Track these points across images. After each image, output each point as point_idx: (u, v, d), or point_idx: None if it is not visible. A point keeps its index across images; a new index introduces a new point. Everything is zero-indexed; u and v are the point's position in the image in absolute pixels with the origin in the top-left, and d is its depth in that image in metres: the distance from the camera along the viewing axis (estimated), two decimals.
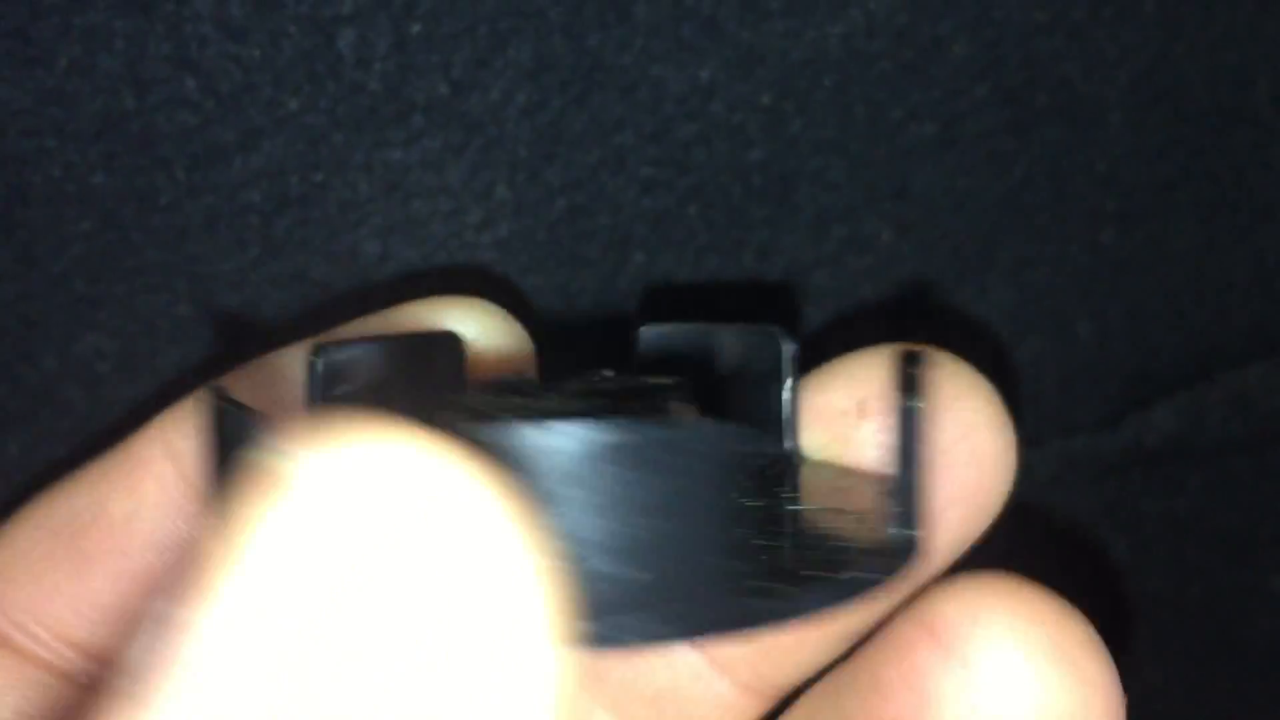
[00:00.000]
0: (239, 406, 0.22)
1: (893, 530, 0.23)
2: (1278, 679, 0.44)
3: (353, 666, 0.16)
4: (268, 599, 0.16)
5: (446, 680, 0.16)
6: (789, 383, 0.26)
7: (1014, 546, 0.44)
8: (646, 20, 0.33)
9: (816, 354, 0.37)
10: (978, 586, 0.26)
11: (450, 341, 0.19)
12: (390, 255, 0.34)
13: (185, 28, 0.31)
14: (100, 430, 0.34)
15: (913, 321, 0.38)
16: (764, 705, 0.30)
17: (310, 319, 0.33)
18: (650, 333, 0.29)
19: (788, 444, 0.26)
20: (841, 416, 0.28)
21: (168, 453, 0.30)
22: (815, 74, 0.35)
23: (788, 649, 0.28)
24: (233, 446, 0.22)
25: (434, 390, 0.25)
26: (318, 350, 0.23)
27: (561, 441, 0.19)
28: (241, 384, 0.28)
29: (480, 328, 0.30)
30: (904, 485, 0.24)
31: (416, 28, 0.32)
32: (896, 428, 0.24)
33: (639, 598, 0.19)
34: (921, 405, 0.24)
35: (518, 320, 0.31)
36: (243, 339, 0.33)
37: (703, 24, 0.34)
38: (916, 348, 0.26)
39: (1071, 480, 0.42)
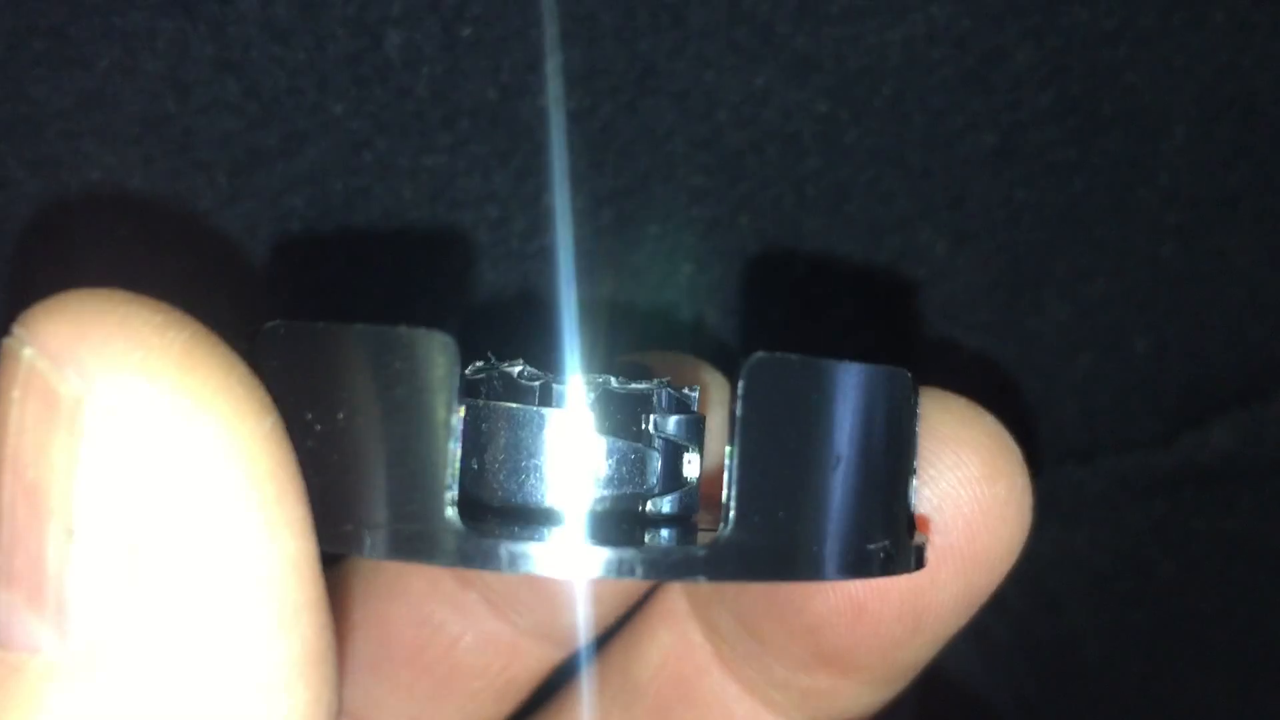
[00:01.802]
0: None
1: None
2: None
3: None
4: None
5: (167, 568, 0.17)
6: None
7: (1059, 563, 0.43)
8: (700, 25, 0.32)
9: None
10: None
11: (441, 344, 0.19)
12: (434, 263, 0.33)
13: (229, 29, 0.30)
14: None
15: (959, 334, 0.37)
16: None
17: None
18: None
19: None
20: None
21: None
22: (873, 81, 0.34)
23: (839, 683, 0.28)
24: None
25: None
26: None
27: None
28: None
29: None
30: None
31: (466, 31, 0.31)
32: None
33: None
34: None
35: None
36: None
37: (758, 29, 0.33)
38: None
39: (1122, 497, 0.41)
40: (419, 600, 0.29)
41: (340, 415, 0.20)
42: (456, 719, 0.30)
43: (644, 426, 0.22)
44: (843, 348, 0.36)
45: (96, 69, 0.30)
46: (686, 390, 0.23)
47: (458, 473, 0.19)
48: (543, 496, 0.22)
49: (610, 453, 0.22)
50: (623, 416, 0.22)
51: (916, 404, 0.23)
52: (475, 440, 0.22)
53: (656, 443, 0.22)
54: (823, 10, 0.33)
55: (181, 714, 0.17)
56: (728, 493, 0.20)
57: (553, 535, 0.20)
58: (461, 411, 0.19)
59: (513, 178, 0.33)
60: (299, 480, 0.18)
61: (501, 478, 0.22)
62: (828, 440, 0.21)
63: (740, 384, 0.20)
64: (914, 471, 0.24)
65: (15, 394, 0.17)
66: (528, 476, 0.22)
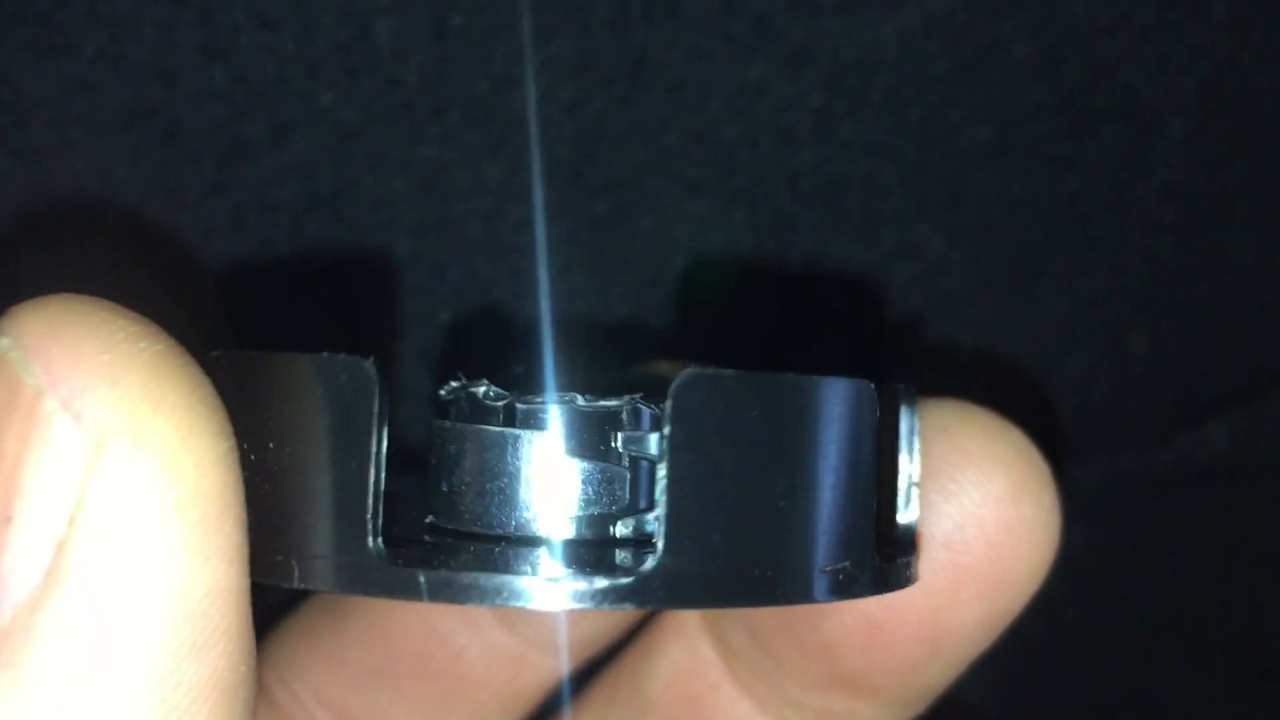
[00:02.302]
0: None
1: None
2: None
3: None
4: None
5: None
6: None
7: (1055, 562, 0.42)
8: (694, 16, 0.32)
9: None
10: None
11: (361, 371, 0.19)
12: (424, 255, 0.33)
13: (216, 17, 0.29)
14: None
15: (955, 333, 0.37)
16: None
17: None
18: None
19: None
20: None
21: None
22: (868, 74, 0.33)
23: (854, 705, 0.27)
24: None
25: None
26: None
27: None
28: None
29: None
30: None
31: (457, 20, 0.31)
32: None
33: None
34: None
35: None
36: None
37: (752, 21, 0.32)
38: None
39: (1118, 496, 0.41)
40: (425, 610, 0.29)
41: (271, 444, 0.19)
42: None
43: (613, 445, 0.22)
44: (835, 343, 0.36)
45: (82, 56, 0.29)
46: (658, 406, 0.22)
47: (381, 500, 0.19)
48: (509, 521, 0.21)
49: (576, 474, 0.21)
50: (589, 436, 0.22)
51: (912, 421, 0.23)
52: (443, 463, 0.22)
53: (626, 461, 0.22)
54: (817, 2, 0.32)
55: (74, 707, 0.17)
56: (658, 517, 0.19)
57: (476, 563, 0.20)
58: (383, 432, 0.19)
59: (504, 169, 0.32)
60: (242, 509, 0.18)
61: (468, 501, 0.22)
62: (768, 459, 0.20)
63: (669, 403, 0.19)
64: (914, 485, 0.23)
65: None
66: (493, 499, 0.22)
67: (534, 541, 0.21)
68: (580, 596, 0.19)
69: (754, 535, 0.20)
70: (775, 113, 0.33)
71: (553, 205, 0.33)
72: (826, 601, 0.21)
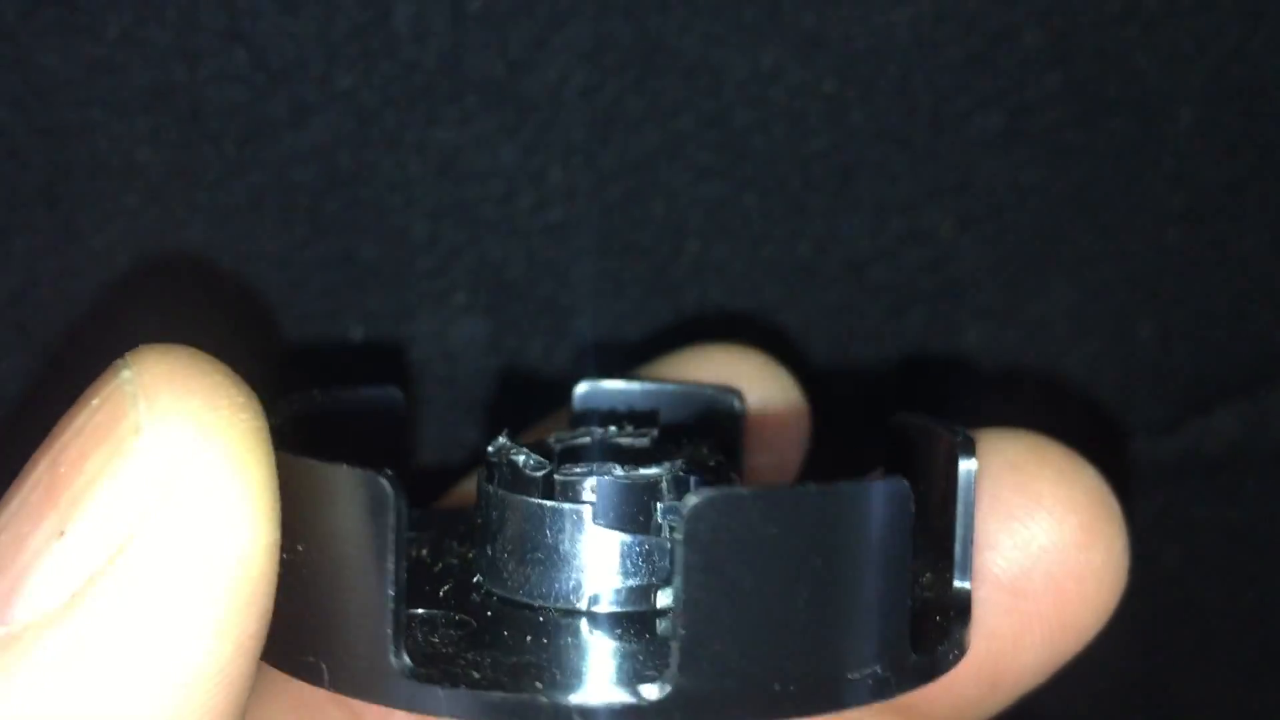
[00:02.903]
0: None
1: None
2: None
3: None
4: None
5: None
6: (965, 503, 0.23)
7: None
8: (708, 2, 0.32)
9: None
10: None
11: (378, 487, 0.19)
12: (439, 238, 0.33)
13: (238, 0, 0.30)
14: None
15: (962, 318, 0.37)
16: None
17: None
18: (590, 388, 0.28)
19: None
20: None
21: None
22: (879, 61, 0.34)
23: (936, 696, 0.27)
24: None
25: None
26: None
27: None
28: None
29: (756, 380, 0.29)
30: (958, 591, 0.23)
31: (475, 4, 0.31)
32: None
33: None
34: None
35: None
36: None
37: (766, 8, 0.33)
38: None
39: (1125, 486, 0.41)
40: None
41: (300, 547, 0.20)
42: None
43: (653, 516, 0.22)
44: (843, 330, 0.36)
45: (105, 38, 0.30)
46: (708, 463, 0.22)
47: (403, 614, 0.19)
48: (550, 592, 0.22)
49: (616, 547, 0.21)
50: (629, 507, 0.22)
51: (970, 474, 0.22)
52: (488, 526, 0.22)
53: (666, 531, 0.21)
54: None
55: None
56: (673, 637, 0.19)
57: (493, 681, 0.20)
58: (401, 546, 0.19)
59: (520, 153, 0.33)
60: (269, 603, 0.19)
61: (510, 568, 0.22)
62: (789, 574, 0.19)
63: (683, 527, 0.19)
64: (970, 544, 0.22)
65: (95, 402, 0.19)
66: (534, 569, 0.22)
67: (574, 613, 0.22)
68: (591, 718, 0.19)
69: (774, 651, 0.19)
70: (787, 98, 0.34)
71: (566, 190, 0.33)
72: (852, 708, 0.20)
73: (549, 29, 0.32)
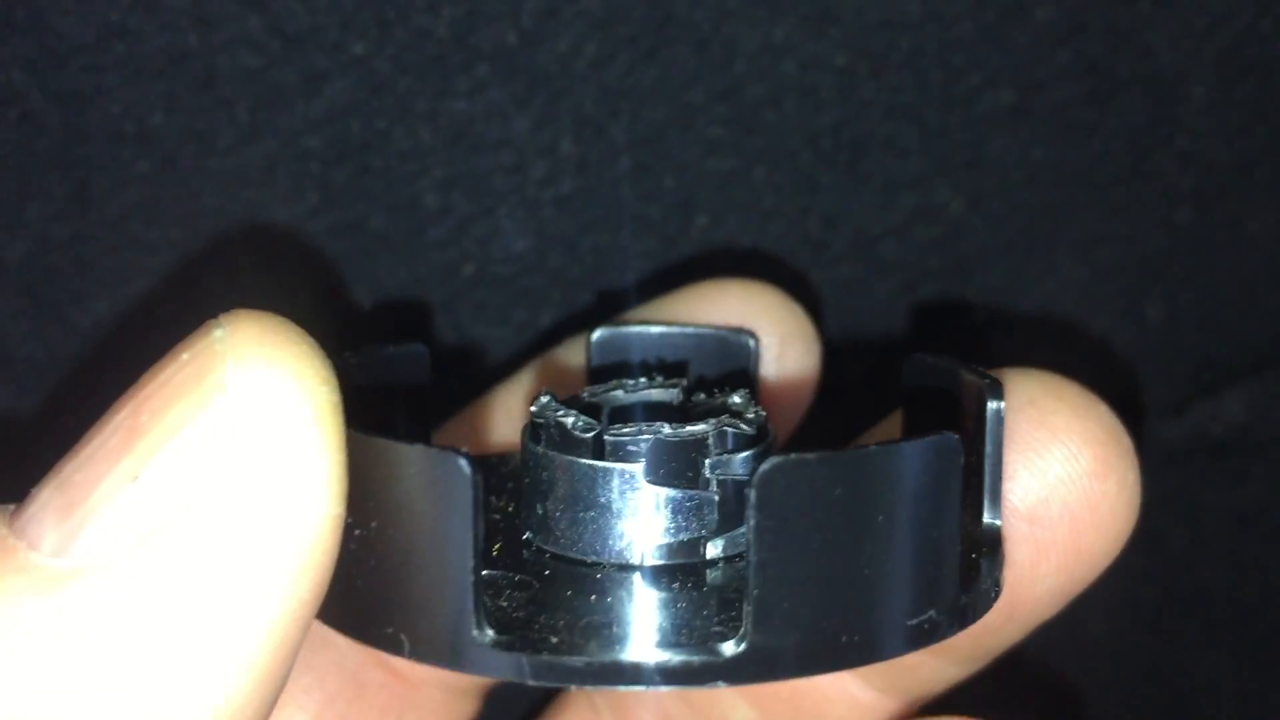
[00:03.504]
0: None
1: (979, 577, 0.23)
2: None
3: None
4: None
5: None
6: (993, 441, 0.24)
7: None
8: None
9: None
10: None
11: (456, 466, 0.20)
12: (450, 208, 0.33)
13: None
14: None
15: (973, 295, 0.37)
16: (898, 706, 0.29)
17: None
18: (606, 334, 0.29)
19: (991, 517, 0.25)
20: None
21: (551, 382, 0.31)
22: (891, 36, 0.34)
23: (926, 660, 0.28)
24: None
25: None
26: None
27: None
28: None
29: (767, 315, 0.30)
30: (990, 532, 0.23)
31: None
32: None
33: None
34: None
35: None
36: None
37: None
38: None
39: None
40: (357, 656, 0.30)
41: (374, 524, 0.20)
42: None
43: (701, 471, 0.22)
44: (853, 306, 0.36)
45: (120, 3, 0.30)
46: (751, 415, 0.23)
47: (482, 587, 0.20)
48: (603, 549, 0.22)
49: (665, 503, 0.22)
50: (678, 464, 0.22)
51: (998, 414, 0.23)
52: (537, 486, 0.23)
53: (714, 485, 0.22)
54: None
55: (99, 666, 0.18)
56: (747, 599, 0.20)
57: (574, 646, 0.20)
58: (481, 521, 0.20)
59: (531, 124, 0.33)
60: (327, 576, 0.19)
61: (563, 526, 0.23)
62: (852, 532, 0.20)
63: (752, 493, 0.19)
64: (999, 480, 0.23)
65: (185, 356, 0.19)
66: (586, 529, 0.22)
67: (628, 568, 0.22)
68: (673, 677, 0.20)
69: (841, 605, 0.20)
70: (799, 72, 0.34)
71: (577, 161, 0.33)
72: (913, 651, 0.21)
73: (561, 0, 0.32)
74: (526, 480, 0.23)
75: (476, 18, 0.32)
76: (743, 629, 0.20)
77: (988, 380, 0.23)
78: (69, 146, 0.31)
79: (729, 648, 0.20)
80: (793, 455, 0.19)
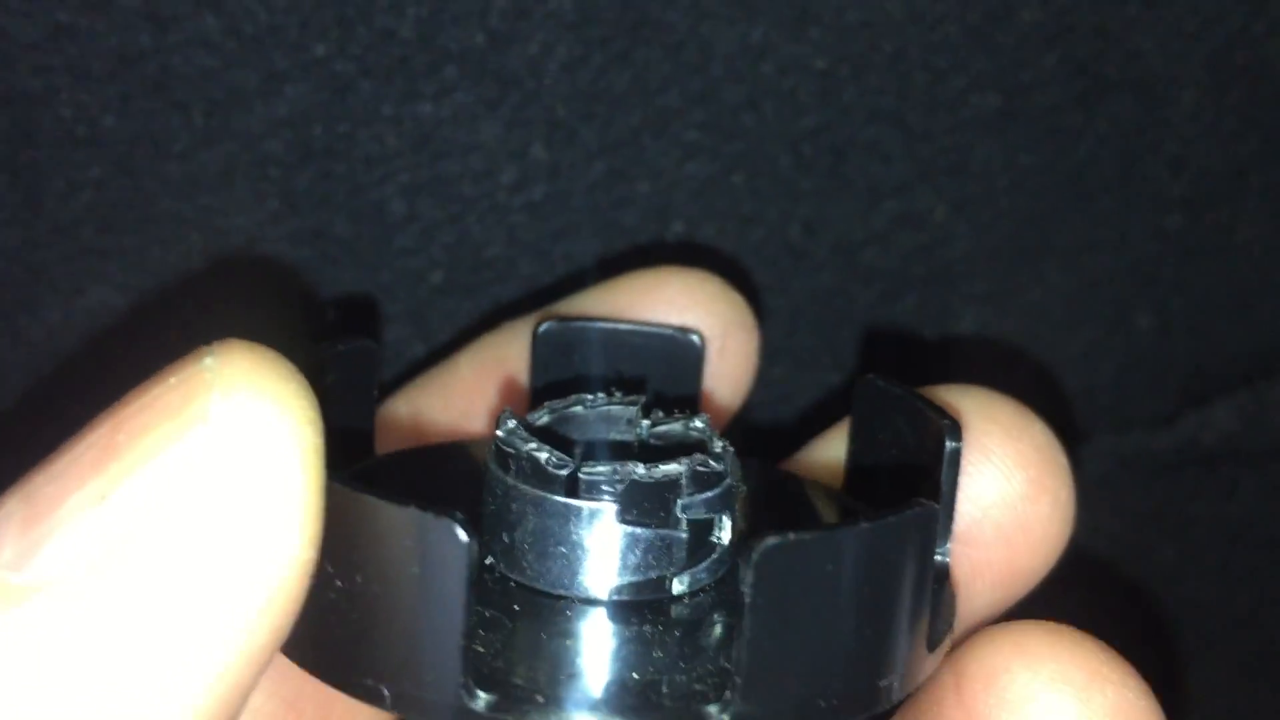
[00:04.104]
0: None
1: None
2: None
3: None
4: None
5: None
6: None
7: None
8: None
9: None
10: (1017, 634, 0.25)
11: (452, 532, 0.19)
12: (417, 215, 0.32)
13: None
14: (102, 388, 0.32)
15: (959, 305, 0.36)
16: None
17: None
18: (551, 328, 0.29)
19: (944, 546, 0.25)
20: None
21: (488, 369, 0.30)
22: (873, 37, 0.33)
23: None
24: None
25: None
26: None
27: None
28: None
29: (709, 306, 0.30)
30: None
31: None
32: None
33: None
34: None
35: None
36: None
37: None
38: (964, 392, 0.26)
39: (1122, 479, 0.40)
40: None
41: (358, 578, 0.20)
42: None
43: (673, 510, 0.22)
44: (834, 316, 0.35)
45: (70, 2, 0.29)
46: (718, 450, 0.23)
47: (471, 648, 0.20)
48: (570, 583, 0.22)
49: (636, 542, 0.22)
50: (650, 504, 0.22)
51: (956, 443, 0.23)
52: (504, 516, 0.23)
53: (684, 525, 0.22)
54: None
55: (42, 686, 0.18)
56: (735, 667, 0.20)
57: (565, 705, 0.20)
58: (472, 600, 0.19)
59: (501, 128, 0.32)
60: (290, 620, 0.19)
61: (530, 559, 0.23)
62: (840, 605, 0.21)
63: (750, 573, 0.20)
64: (951, 516, 0.23)
65: (172, 380, 0.19)
66: (555, 562, 0.22)
67: (592, 602, 0.22)
68: None
69: (824, 674, 0.21)
70: (778, 75, 0.33)
71: (549, 166, 0.32)
72: (879, 710, 0.22)
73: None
74: (492, 507, 0.23)
75: (443, 18, 0.30)
76: (728, 696, 0.20)
77: (947, 421, 0.23)
78: (18, 150, 0.30)
79: (716, 715, 0.20)
80: (791, 536, 0.20)
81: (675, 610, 0.22)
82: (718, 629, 0.22)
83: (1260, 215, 0.37)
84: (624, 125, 0.32)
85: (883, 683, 0.21)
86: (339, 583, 0.20)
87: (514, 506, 0.23)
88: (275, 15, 0.30)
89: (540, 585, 0.23)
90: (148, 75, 0.30)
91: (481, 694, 0.20)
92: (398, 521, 0.20)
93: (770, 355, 0.34)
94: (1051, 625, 0.25)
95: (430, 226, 0.32)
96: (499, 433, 0.23)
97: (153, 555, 0.18)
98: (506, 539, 0.23)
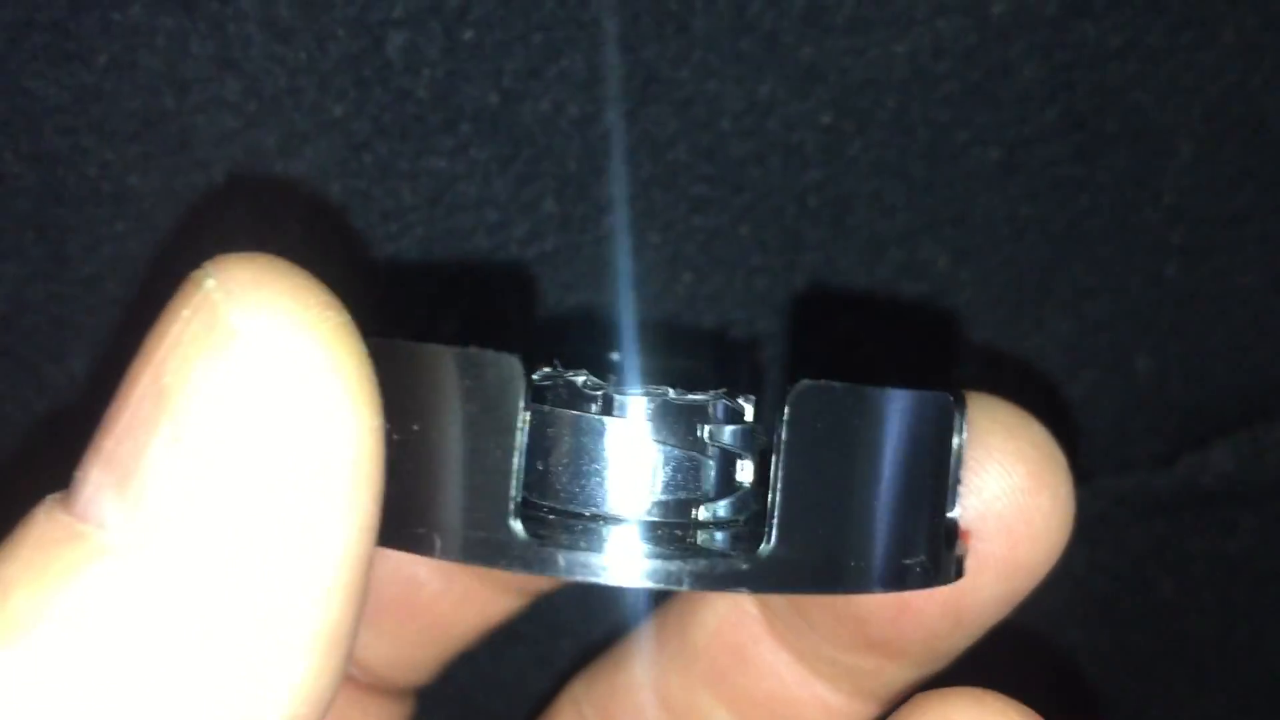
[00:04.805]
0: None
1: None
2: None
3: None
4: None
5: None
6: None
7: (1057, 582, 0.42)
8: (705, 33, 0.32)
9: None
10: (942, 702, 0.26)
11: (509, 365, 0.21)
12: (433, 268, 0.33)
13: (229, 27, 0.30)
14: None
15: (963, 350, 0.37)
16: (866, 709, 0.31)
17: None
18: None
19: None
20: None
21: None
22: (877, 94, 0.33)
23: (884, 664, 0.29)
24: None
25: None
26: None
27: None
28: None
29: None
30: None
31: (468, 34, 0.31)
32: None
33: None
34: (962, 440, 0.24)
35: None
36: None
37: (762, 39, 0.32)
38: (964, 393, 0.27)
39: (1121, 518, 0.41)
40: (404, 561, 0.31)
41: (415, 426, 0.21)
42: (434, 654, 0.33)
43: (699, 435, 0.23)
44: (842, 361, 0.36)
45: (95, 65, 0.30)
46: (741, 400, 0.24)
47: (522, 484, 0.21)
48: (601, 501, 0.23)
49: (666, 460, 0.23)
50: (679, 426, 0.23)
51: (960, 425, 0.24)
52: (540, 444, 0.23)
53: (711, 451, 0.23)
54: (828, 21, 0.32)
55: (195, 620, 0.19)
56: (771, 510, 0.21)
57: (609, 545, 0.22)
58: (526, 422, 0.21)
59: (513, 183, 0.32)
60: (380, 484, 0.20)
61: (564, 481, 0.23)
62: (868, 462, 0.22)
63: (785, 410, 0.21)
64: (959, 483, 0.25)
65: (185, 313, 0.19)
66: (588, 481, 0.23)
67: (620, 520, 0.23)
68: (700, 580, 0.21)
69: (851, 530, 0.22)
70: (784, 130, 0.33)
71: (560, 219, 0.33)
72: (908, 590, 0.23)
73: (543, 59, 0.32)
74: (525, 442, 0.24)
75: (457, 78, 0.31)
76: (765, 541, 0.21)
77: (951, 396, 0.24)
78: (45, 207, 0.31)
79: (753, 557, 0.21)
80: (821, 381, 0.21)
81: (700, 536, 0.23)
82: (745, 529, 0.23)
83: (1256, 262, 0.37)
84: (634, 179, 0.33)
85: (909, 561, 0.22)
86: (395, 437, 0.21)
87: (549, 432, 0.23)
88: (295, 78, 0.30)
89: (572, 506, 0.23)
90: (170, 135, 0.30)
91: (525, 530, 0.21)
92: (455, 364, 0.21)
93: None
94: (978, 693, 0.26)
95: (447, 278, 0.33)
96: (535, 376, 0.24)
97: (244, 470, 0.19)
98: (540, 467, 0.23)
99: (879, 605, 0.27)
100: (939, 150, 0.34)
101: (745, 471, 0.24)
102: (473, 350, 0.21)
